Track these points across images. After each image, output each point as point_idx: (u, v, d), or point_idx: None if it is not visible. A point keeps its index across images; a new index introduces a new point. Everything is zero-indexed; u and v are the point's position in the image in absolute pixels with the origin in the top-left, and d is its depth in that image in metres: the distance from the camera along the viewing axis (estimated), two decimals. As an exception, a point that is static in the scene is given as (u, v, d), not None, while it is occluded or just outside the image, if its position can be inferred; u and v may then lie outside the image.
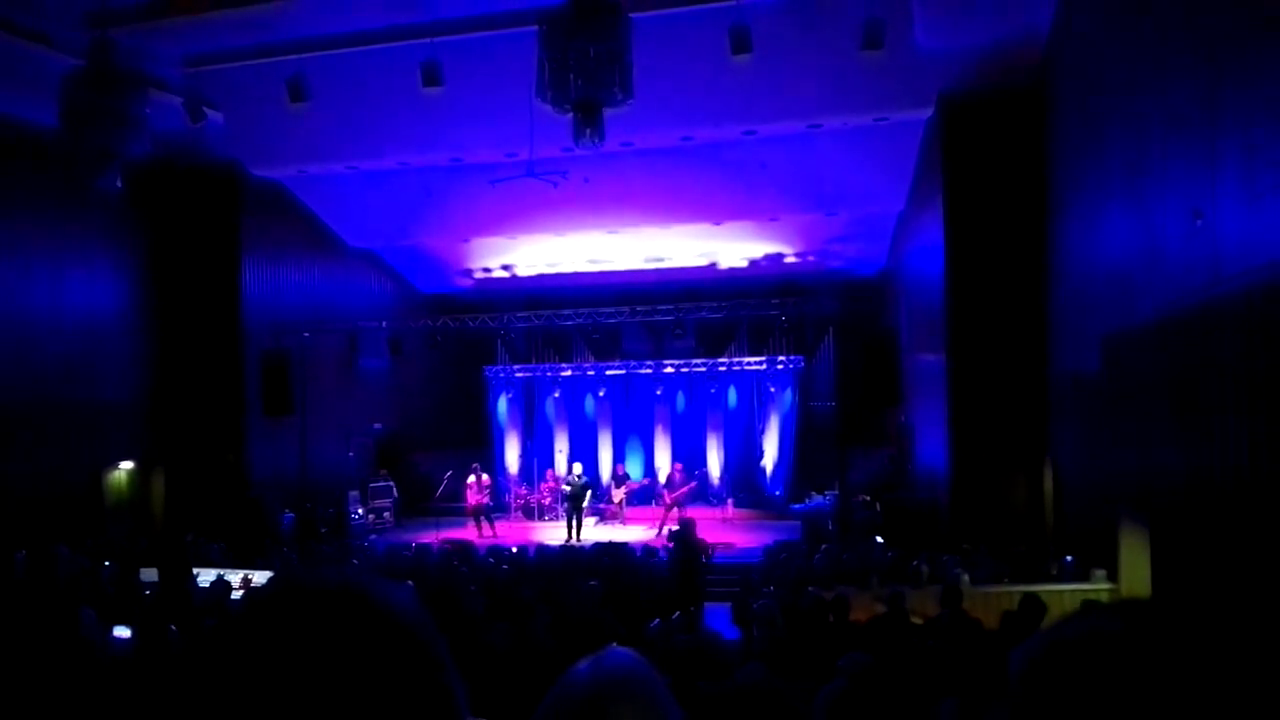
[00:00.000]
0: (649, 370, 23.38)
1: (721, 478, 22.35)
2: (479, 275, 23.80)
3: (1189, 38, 7.94)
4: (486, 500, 20.98)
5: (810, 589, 9.81)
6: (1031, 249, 13.36)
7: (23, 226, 14.65)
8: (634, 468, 23.33)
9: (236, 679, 0.97)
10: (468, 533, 19.25)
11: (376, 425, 22.33)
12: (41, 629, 6.12)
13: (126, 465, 16.35)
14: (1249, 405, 6.57)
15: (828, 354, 22.30)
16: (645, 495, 22.87)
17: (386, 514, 21.06)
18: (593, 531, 19.84)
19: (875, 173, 17.23)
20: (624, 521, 21.05)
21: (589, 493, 20.63)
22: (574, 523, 19.56)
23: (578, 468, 21.21)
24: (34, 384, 14.44)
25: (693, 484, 20.59)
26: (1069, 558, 11.43)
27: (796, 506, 21.58)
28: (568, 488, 20.41)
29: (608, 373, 23.67)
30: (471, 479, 20.74)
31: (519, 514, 21.94)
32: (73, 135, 10.20)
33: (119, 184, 10.59)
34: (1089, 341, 10.86)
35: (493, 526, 20.39)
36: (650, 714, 1.60)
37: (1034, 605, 7.55)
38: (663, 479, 21.51)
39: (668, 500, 19.96)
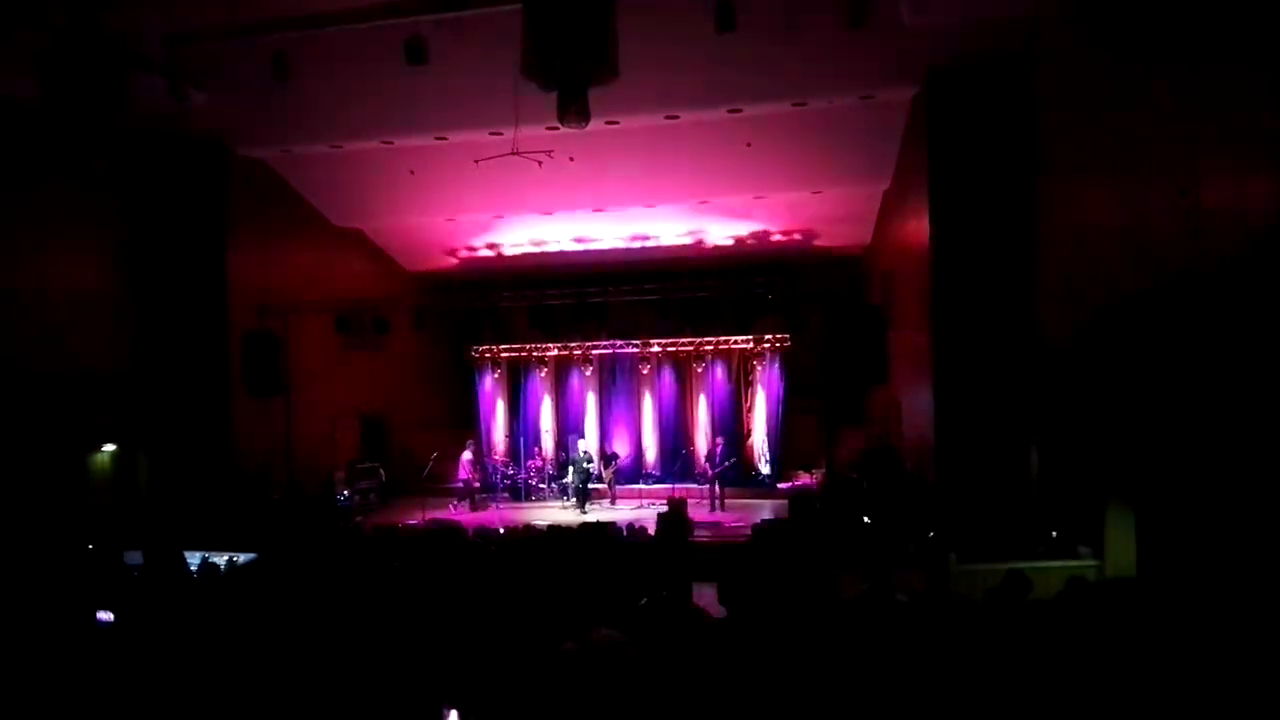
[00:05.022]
0: (636, 348, 23.40)
1: (709, 455, 22.45)
2: (464, 254, 23.73)
3: (1175, 12, 7.93)
4: (475, 479, 21.19)
5: (797, 567, 9.84)
6: (1019, 223, 13.36)
7: (4, 202, 14.51)
8: (621, 446, 23.40)
9: (218, 650, 0.96)
10: (455, 513, 19.32)
11: (362, 405, 22.28)
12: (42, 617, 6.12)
13: (109, 446, 16.27)
14: (1234, 381, 6.59)
15: (815, 331, 22.30)
16: (633, 474, 23.01)
17: (372, 495, 21.09)
18: (582, 511, 20.00)
19: (862, 150, 17.19)
20: (614, 501, 21.18)
21: (590, 470, 20.94)
22: (583, 499, 20.05)
23: (582, 444, 21.52)
24: (14, 362, 14.32)
25: (732, 460, 20.75)
26: (1055, 534, 11.48)
27: (784, 485, 21.67)
28: (572, 465, 20.74)
29: (594, 351, 23.69)
30: (468, 455, 21.00)
31: (506, 494, 21.96)
32: (55, 111, 10.10)
33: (102, 162, 10.49)
34: (1076, 315, 10.88)
35: (474, 507, 20.64)
36: (636, 692, 1.60)
37: (1018, 581, 7.57)
38: (702, 454, 21.71)
39: (710, 475, 20.17)
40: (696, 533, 16.17)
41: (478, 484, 21.61)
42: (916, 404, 15.87)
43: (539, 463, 22.92)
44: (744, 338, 22.75)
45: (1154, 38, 8.41)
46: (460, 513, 19.84)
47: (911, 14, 12.02)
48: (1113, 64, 9.61)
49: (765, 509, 19.51)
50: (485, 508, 21.02)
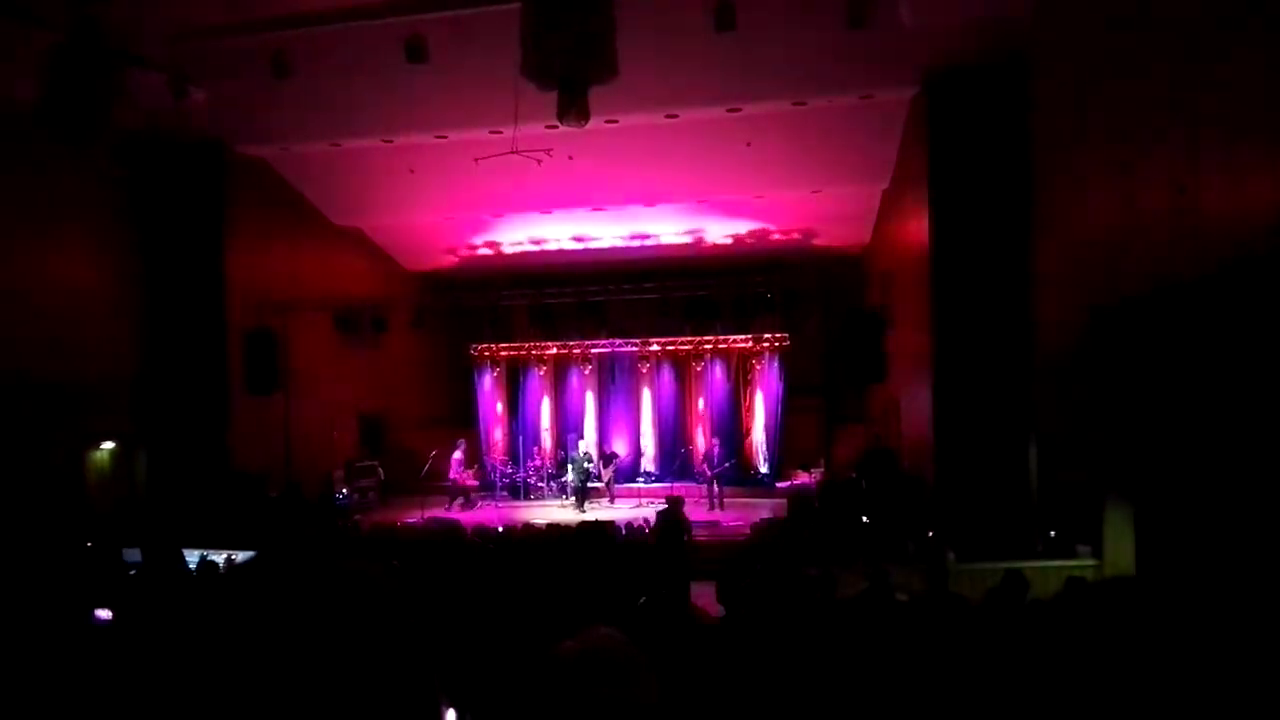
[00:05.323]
0: (635, 347, 23.40)
1: (707, 455, 22.43)
2: (464, 253, 23.73)
3: (1172, 11, 7.93)
4: (468, 479, 21.17)
5: (796, 566, 9.84)
6: (1017, 223, 13.37)
7: (3, 202, 14.50)
8: (620, 445, 23.41)
9: (217, 647, 0.97)
10: (447, 513, 19.34)
11: (361, 404, 22.27)
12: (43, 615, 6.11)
13: (108, 444, 16.27)
14: (1233, 380, 6.59)
15: (814, 331, 22.31)
16: (631, 473, 23.01)
17: (371, 493, 21.09)
18: (579, 509, 20.01)
19: (861, 149, 17.19)
20: (613, 500, 21.17)
21: (589, 469, 20.93)
22: (582, 498, 20.03)
23: (582, 444, 21.41)
24: (14, 361, 14.30)
25: (730, 461, 20.80)
26: (1053, 534, 11.48)
27: (782, 484, 21.67)
28: (571, 464, 20.71)
29: (594, 350, 23.69)
30: (458, 454, 20.94)
31: (505, 493, 21.96)
32: (54, 111, 10.10)
33: (102, 160, 10.48)
34: (1075, 316, 10.88)
35: (465, 506, 20.64)
36: (634, 692, 1.60)
37: (1017, 581, 7.58)
38: (701, 455, 21.67)
39: (708, 475, 20.24)
40: (696, 532, 16.18)
41: (474, 482, 21.62)
42: (915, 403, 15.88)
43: (538, 461, 22.92)
44: (743, 337, 22.76)
45: (1152, 38, 8.41)
46: (454, 512, 19.85)
47: (911, 14, 12.03)
48: (1111, 65, 9.61)
49: (764, 508, 19.49)
50: (476, 506, 21.03)
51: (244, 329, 17.52)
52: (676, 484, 20.55)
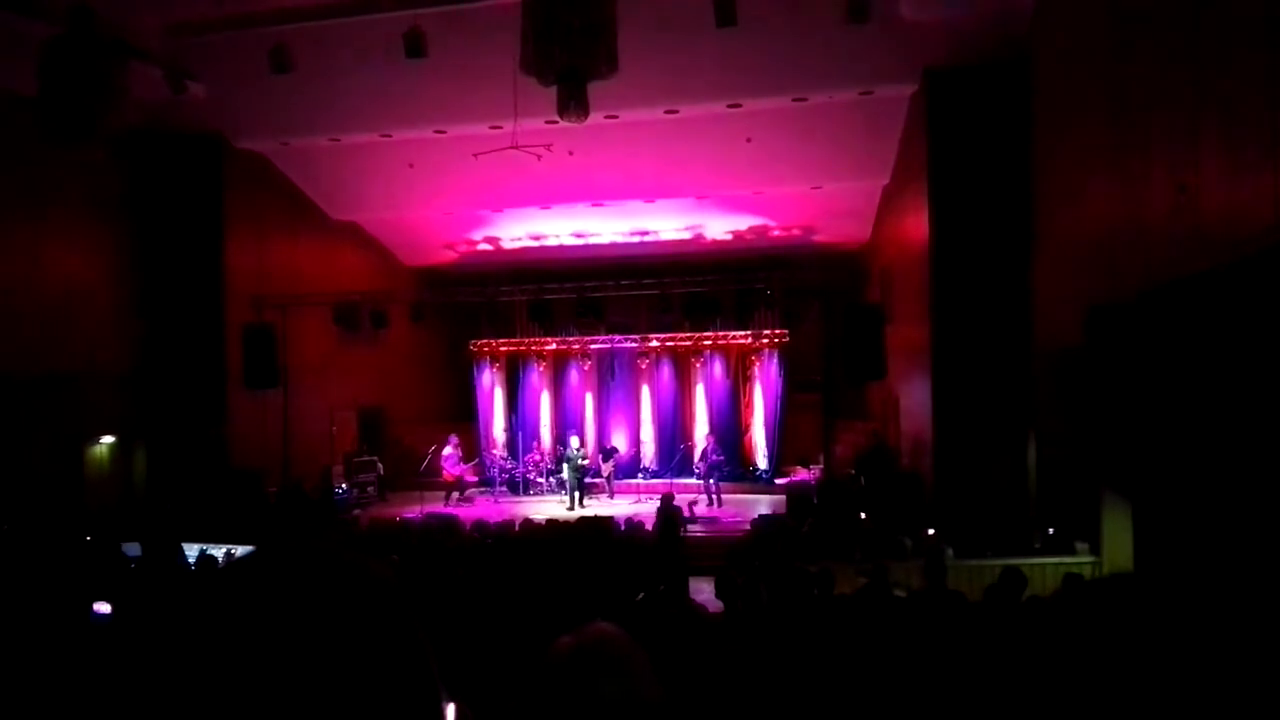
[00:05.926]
0: (635, 343, 23.35)
1: (702, 452, 22.37)
2: (463, 248, 23.70)
3: (1173, 9, 7.92)
4: (465, 473, 21.08)
5: (795, 562, 9.85)
6: (1017, 221, 13.37)
7: (1, 195, 14.48)
8: (619, 441, 23.38)
9: (217, 641, 0.97)
10: (455, 508, 19.31)
11: (360, 398, 22.26)
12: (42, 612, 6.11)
13: (108, 439, 16.25)
14: (1231, 377, 6.59)
15: (813, 327, 22.29)
16: (631, 469, 22.97)
17: (370, 488, 21.05)
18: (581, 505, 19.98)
19: (861, 146, 17.19)
20: (612, 495, 21.14)
21: (584, 465, 20.83)
22: (578, 495, 19.92)
23: (575, 441, 21.32)
24: (12, 356, 14.29)
25: (721, 457, 20.75)
26: (1051, 530, 11.48)
27: (781, 480, 21.66)
28: (566, 464, 20.60)
29: (593, 346, 23.64)
30: (449, 450, 20.83)
31: (504, 489, 21.94)
32: (51, 104, 10.08)
33: (98, 154, 10.48)
34: (1074, 314, 10.88)
35: (458, 501, 20.52)
36: (633, 687, 1.60)
37: (1015, 578, 7.59)
38: (697, 452, 21.59)
39: (701, 473, 20.19)
40: (694, 528, 16.20)
41: (471, 478, 21.55)
42: (914, 400, 15.88)
43: (537, 457, 22.86)
44: (743, 333, 22.71)
45: (1153, 37, 8.40)
46: (450, 507, 19.80)
47: (912, 9, 12.02)
48: (1111, 64, 9.60)
49: (763, 504, 19.47)
50: (473, 502, 20.97)
51: (242, 324, 17.51)
52: (676, 480, 20.53)
